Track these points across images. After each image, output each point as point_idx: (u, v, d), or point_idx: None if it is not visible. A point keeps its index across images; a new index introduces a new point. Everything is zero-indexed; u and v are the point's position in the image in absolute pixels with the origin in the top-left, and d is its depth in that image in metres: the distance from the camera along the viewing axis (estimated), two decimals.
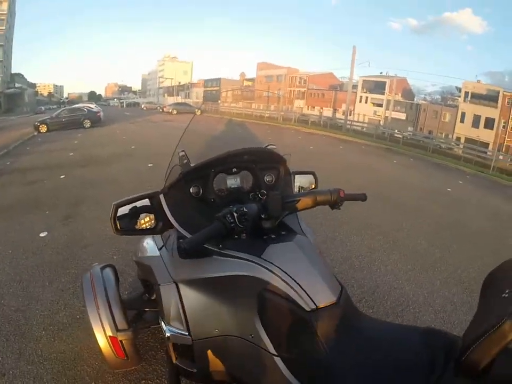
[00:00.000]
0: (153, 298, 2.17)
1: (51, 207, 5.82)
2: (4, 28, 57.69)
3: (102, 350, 1.90)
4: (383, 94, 49.84)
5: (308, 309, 1.19)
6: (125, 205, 1.62)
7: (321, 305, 1.20)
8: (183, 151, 1.71)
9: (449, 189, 9.04)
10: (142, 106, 54.18)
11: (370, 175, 8.92)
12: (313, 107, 56.69)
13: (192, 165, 1.66)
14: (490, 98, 41.19)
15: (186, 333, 1.46)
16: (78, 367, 2.43)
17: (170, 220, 1.52)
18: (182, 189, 1.61)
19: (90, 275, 2.06)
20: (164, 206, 1.56)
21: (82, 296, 2.07)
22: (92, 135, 17.62)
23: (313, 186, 1.92)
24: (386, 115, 46.07)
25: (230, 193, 1.70)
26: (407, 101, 51.35)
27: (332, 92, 55.80)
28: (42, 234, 4.67)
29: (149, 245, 1.97)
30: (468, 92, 43.81)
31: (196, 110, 38.98)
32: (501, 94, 40.32)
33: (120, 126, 22.86)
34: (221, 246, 1.39)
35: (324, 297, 1.22)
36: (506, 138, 38.54)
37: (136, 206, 1.62)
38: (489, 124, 40.79)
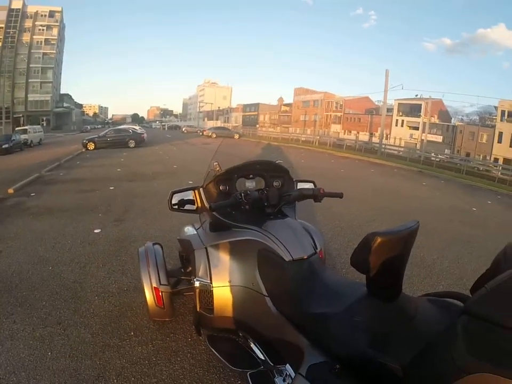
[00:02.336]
0: (188, 270, 2.80)
1: (103, 212, 6.62)
2: (54, 51, 63.19)
3: (147, 299, 2.61)
4: (418, 116, 49.25)
5: (286, 259, 1.75)
6: (178, 192, 2.41)
7: (295, 258, 1.76)
8: (216, 162, 2.41)
9: (474, 208, 9.04)
10: (183, 129, 55.43)
11: (395, 197, 9.13)
12: (350, 131, 56.68)
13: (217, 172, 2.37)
14: None
15: (209, 282, 2.09)
16: (122, 321, 3.04)
17: (206, 205, 2.28)
18: (214, 186, 2.31)
19: (144, 248, 2.84)
20: (202, 196, 2.36)
21: (138, 262, 2.84)
22: (137, 154, 18.79)
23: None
24: (422, 138, 44.86)
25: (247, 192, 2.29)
26: (443, 123, 50.31)
27: (368, 116, 55.66)
28: (96, 231, 5.42)
29: (189, 229, 2.69)
30: (505, 111, 42.10)
31: (235, 134, 40.23)
32: None
33: (162, 147, 24.07)
34: (237, 220, 2.10)
35: (297, 252, 1.78)
36: None
37: (183, 199, 2.41)
38: None
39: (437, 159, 24.48)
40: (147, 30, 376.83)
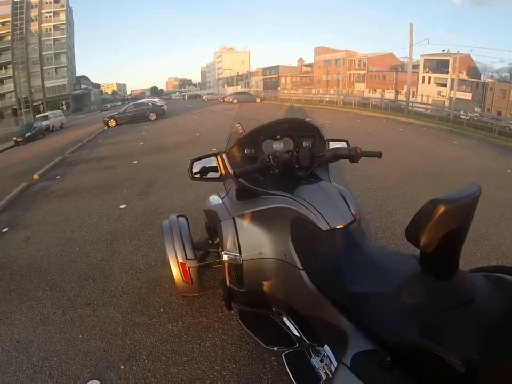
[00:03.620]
0: (216, 242, 2.66)
1: (128, 187, 6.60)
2: (64, 36, 63.15)
3: (173, 275, 2.52)
4: (446, 73, 46.59)
5: (323, 229, 1.58)
6: (199, 160, 2.19)
7: (333, 227, 1.58)
8: (239, 123, 2.25)
9: (509, 171, 8.65)
10: (203, 97, 54.86)
11: (426, 157, 8.68)
12: (375, 90, 54.34)
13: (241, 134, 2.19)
14: None
15: (238, 254, 1.94)
16: (151, 298, 2.99)
17: (230, 171, 2.08)
18: (238, 150, 2.13)
19: (168, 221, 2.71)
20: (225, 162, 2.14)
21: (162, 237, 2.72)
22: (158, 126, 18.69)
23: None
24: (450, 95, 43.01)
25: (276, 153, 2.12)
26: (472, 79, 47.29)
27: (393, 73, 53.04)
28: (122, 206, 5.41)
29: (214, 198, 2.54)
30: None
31: (256, 98, 39.68)
32: None
33: (183, 117, 23.87)
34: (266, 186, 1.90)
35: (335, 221, 1.60)
36: None
37: (205, 166, 2.19)
38: None
39: (466, 118, 23.30)
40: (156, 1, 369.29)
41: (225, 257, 1.98)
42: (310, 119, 2.27)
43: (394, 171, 7.00)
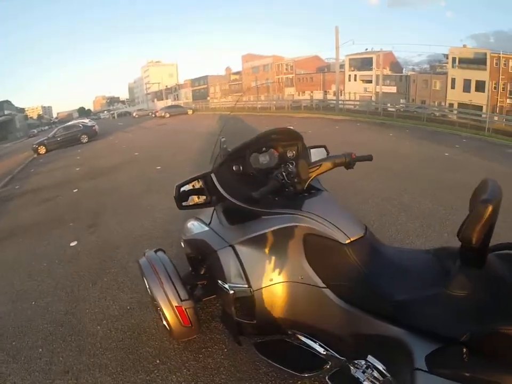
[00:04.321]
0: (203, 273, 2.48)
1: (73, 219, 5.98)
2: None
3: (169, 321, 2.21)
4: (371, 70, 49.40)
5: (343, 242, 1.55)
6: (185, 185, 1.99)
7: (353, 238, 1.56)
8: (223, 138, 2.13)
9: (446, 154, 9.12)
10: (134, 114, 53.14)
11: (368, 151, 8.62)
12: (303, 92, 56.01)
13: (229, 149, 2.02)
14: (478, 62, 40.65)
15: (246, 285, 1.79)
16: (140, 349, 2.61)
17: (222, 192, 1.88)
18: (226, 169, 1.96)
19: (147, 258, 2.42)
20: (215, 183, 1.92)
21: (142, 278, 2.43)
22: (92, 148, 17.74)
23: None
24: (377, 90, 45.37)
25: (262, 168, 2.06)
26: (396, 74, 50.62)
27: (320, 75, 55.25)
28: (72, 244, 4.84)
29: (195, 225, 2.36)
30: (455, 58, 43.00)
31: (188, 110, 39.28)
32: (488, 56, 39.90)
33: (117, 136, 22.94)
34: (266, 205, 1.79)
35: (353, 231, 1.59)
36: (498, 99, 38.22)
37: (185, 190, 2.01)
38: (480, 87, 40.01)
39: (394, 110, 24.76)
40: (76, 20, 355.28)
41: (231, 291, 1.82)
42: (291, 127, 2.16)
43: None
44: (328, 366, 1.69)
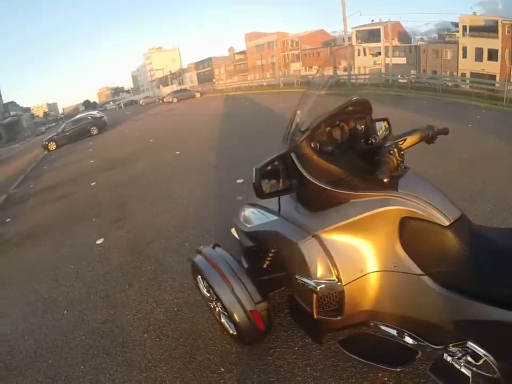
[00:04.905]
0: (264, 267, 2.17)
1: (96, 214, 5.62)
2: None
3: (240, 327, 1.97)
4: (379, 42, 48.03)
5: (445, 224, 1.43)
6: (266, 166, 1.71)
7: (453, 220, 1.44)
8: (300, 110, 1.87)
9: (470, 125, 8.63)
10: (141, 102, 52.52)
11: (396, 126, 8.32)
12: (311, 67, 54.64)
13: (303, 126, 1.80)
14: (489, 29, 39.03)
15: (336, 280, 1.61)
16: (198, 357, 2.29)
17: (304, 174, 1.67)
18: (305, 147, 1.70)
19: (205, 257, 2.16)
20: (297, 164, 1.69)
21: (195, 278, 2.33)
22: (104, 139, 17.33)
23: (387, 132, 2.01)
24: (386, 62, 44.27)
25: (339, 143, 1.82)
26: (405, 44, 49.25)
27: (327, 49, 53.71)
28: (99, 241, 4.49)
29: (257, 213, 2.13)
30: (466, 26, 41.21)
31: (195, 94, 38.76)
32: (499, 23, 38.21)
33: (127, 125, 22.42)
34: (356, 187, 1.60)
35: (452, 212, 1.46)
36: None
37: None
38: (492, 55, 38.81)
39: (405, 81, 23.94)
40: (73, 13, 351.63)
41: (318, 287, 1.62)
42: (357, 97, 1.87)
43: None
44: (419, 357, 1.60)
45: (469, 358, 1.42)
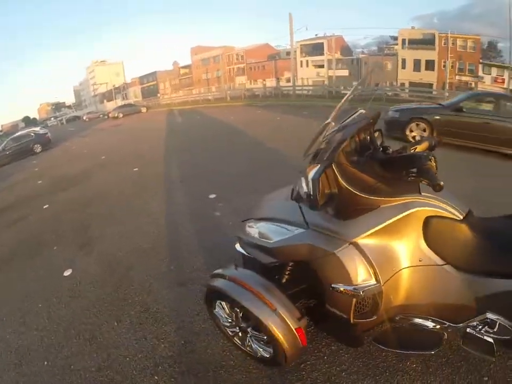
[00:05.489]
0: (283, 281, 2.13)
1: (56, 241, 5.04)
2: None
3: (284, 347, 1.89)
4: (322, 55, 50.15)
5: (459, 218, 1.75)
6: (319, 176, 1.69)
7: (465, 213, 1.78)
8: (332, 121, 1.90)
9: None
10: (84, 118, 49.63)
11: None
12: (256, 80, 55.88)
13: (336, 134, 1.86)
14: (427, 42, 43.06)
15: (375, 282, 1.72)
16: None
17: (343, 183, 1.73)
18: (341, 157, 1.78)
19: (232, 280, 2.06)
20: (337, 173, 1.74)
21: (211, 305, 2.24)
22: (50, 158, 16.12)
23: (381, 140, 2.14)
24: (330, 74, 46.29)
25: (363, 152, 1.95)
26: (347, 57, 51.96)
27: (272, 63, 55.36)
28: (66, 273, 3.98)
29: (277, 228, 2.03)
30: (405, 39, 45.19)
31: (141, 108, 37.88)
32: (436, 36, 42.50)
33: (73, 142, 21.08)
34: (386, 193, 1.74)
35: (463, 207, 1.82)
36: (448, 77, 40.54)
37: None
38: (429, 65, 43.08)
39: (346, 92, 25.00)
40: (9, 25, 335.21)
41: (361, 292, 1.71)
42: (363, 111, 2.08)
43: None
44: (446, 337, 1.84)
45: (487, 328, 1.70)
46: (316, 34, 50.98)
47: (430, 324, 1.82)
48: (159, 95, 63.51)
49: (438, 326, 1.81)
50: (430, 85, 38.58)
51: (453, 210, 1.74)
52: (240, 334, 2.19)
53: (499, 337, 1.70)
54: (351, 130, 1.83)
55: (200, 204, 5.34)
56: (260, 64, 57.40)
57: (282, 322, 1.87)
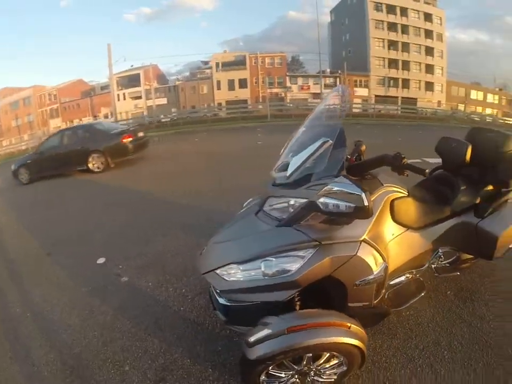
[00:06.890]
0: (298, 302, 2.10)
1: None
2: None
3: (364, 349, 1.88)
4: (139, 86, 50.75)
5: (406, 194, 2.29)
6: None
7: (407, 190, 2.35)
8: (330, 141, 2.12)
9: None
10: None
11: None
12: (72, 121, 50.90)
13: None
14: (239, 63, 49.44)
15: (384, 262, 2.02)
16: None
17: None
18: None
19: (292, 329, 1.78)
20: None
21: (299, 350, 1.83)
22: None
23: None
24: (150, 104, 46.54)
25: None
26: (164, 85, 53.72)
27: (87, 100, 53.07)
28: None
29: (286, 259, 1.90)
30: (219, 63, 50.00)
31: None
32: (247, 57, 49.32)
33: None
34: None
35: (402, 184, 2.33)
36: (260, 91, 46.89)
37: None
38: (242, 84, 49.31)
39: (167, 120, 28.06)
40: None
41: (382, 275, 2.00)
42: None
43: None
44: (423, 280, 2.49)
45: (442, 258, 2.59)
46: (132, 65, 51.13)
47: (408, 276, 2.41)
48: None
49: (415, 275, 2.45)
50: (245, 101, 43.53)
51: (401, 190, 2.23)
52: (298, 381, 1.98)
53: (450, 260, 2.71)
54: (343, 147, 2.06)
55: (101, 279, 4.65)
56: (74, 103, 54.57)
57: (357, 332, 1.85)
